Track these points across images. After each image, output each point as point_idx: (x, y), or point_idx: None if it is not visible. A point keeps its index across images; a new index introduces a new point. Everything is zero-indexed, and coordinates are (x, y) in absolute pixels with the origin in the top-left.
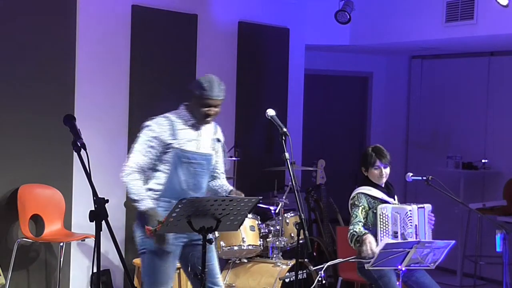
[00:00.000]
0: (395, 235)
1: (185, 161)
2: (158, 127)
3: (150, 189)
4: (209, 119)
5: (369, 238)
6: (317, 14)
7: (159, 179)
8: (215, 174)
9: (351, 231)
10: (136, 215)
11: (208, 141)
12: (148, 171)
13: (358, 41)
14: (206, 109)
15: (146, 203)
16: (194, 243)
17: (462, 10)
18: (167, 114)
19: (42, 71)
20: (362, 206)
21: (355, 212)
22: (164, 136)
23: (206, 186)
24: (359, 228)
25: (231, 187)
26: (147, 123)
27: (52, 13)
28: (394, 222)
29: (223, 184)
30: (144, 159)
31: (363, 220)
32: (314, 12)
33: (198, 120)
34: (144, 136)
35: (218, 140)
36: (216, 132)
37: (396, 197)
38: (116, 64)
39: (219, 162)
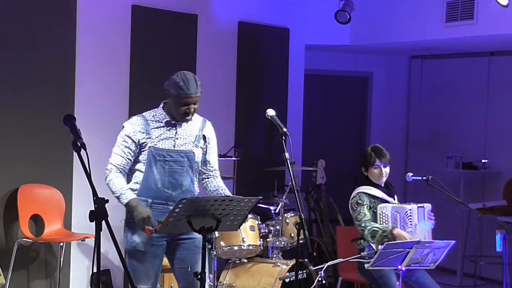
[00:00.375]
0: None
1: (160, 159)
2: (131, 127)
3: (130, 189)
4: (189, 117)
5: (399, 230)
6: (317, 14)
7: (137, 178)
8: (207, 172)
9: (369, 227)
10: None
11: (189, 138)
12: (129, 172)
13: (358, 41)
14: (185, 107)
15: (126, 195)
16: (180, 242)
17: (462, 10)
18: (143, 113)
19: (42, 71)
20: (366, 205)
21: (362, 211)
22: (137, 135)
23: (188, 184)
24: (378, 224)
25: (227, 191)
26: (123, 124)
27: (52, 13)
28: (394, 221)
29: (219, 186)
30: (121, 159)
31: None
32: (314, 12)
33: (176, 118)
34: (119, 138)
35: (205, 137)
36: (203, 128)
37: (396, 196)
38: (116, 64)
39: (211, 159)
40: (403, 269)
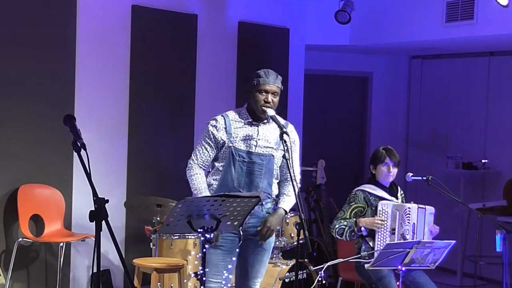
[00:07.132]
0: (392, 231)
1: (239, 159)
2: (215, 123)
3: (209, 184)
4: (266, 108)
5: (363, 218)
6: (317, 14)
7: (216, 175)
8: (285, 176)
9: (337, 227)
10: None
11: (271, 140)
12: (210, 165)
13: (358, 41)
14: (263, 96)
15: (202, 194)
16: (249, 239)
17: (462, 10)
18: (227, 112)
19: (42, 71)
20: (355, 206)
21: (343, 209)
22: (219, 134)
23: (265, 186)
24: (346, 222)
25: (284, 200)
26: (209, 121)
27: (52, 13)
28: (393, 219)
29: (284, 192)
30: (203, 156)
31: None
32: (314, 12)
33: (257, 116)
34: (204, 133)
35: (285, 141)
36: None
37: (401, 197)
38: (116, 64)
39: (290, 163)
40: (403, 269)
